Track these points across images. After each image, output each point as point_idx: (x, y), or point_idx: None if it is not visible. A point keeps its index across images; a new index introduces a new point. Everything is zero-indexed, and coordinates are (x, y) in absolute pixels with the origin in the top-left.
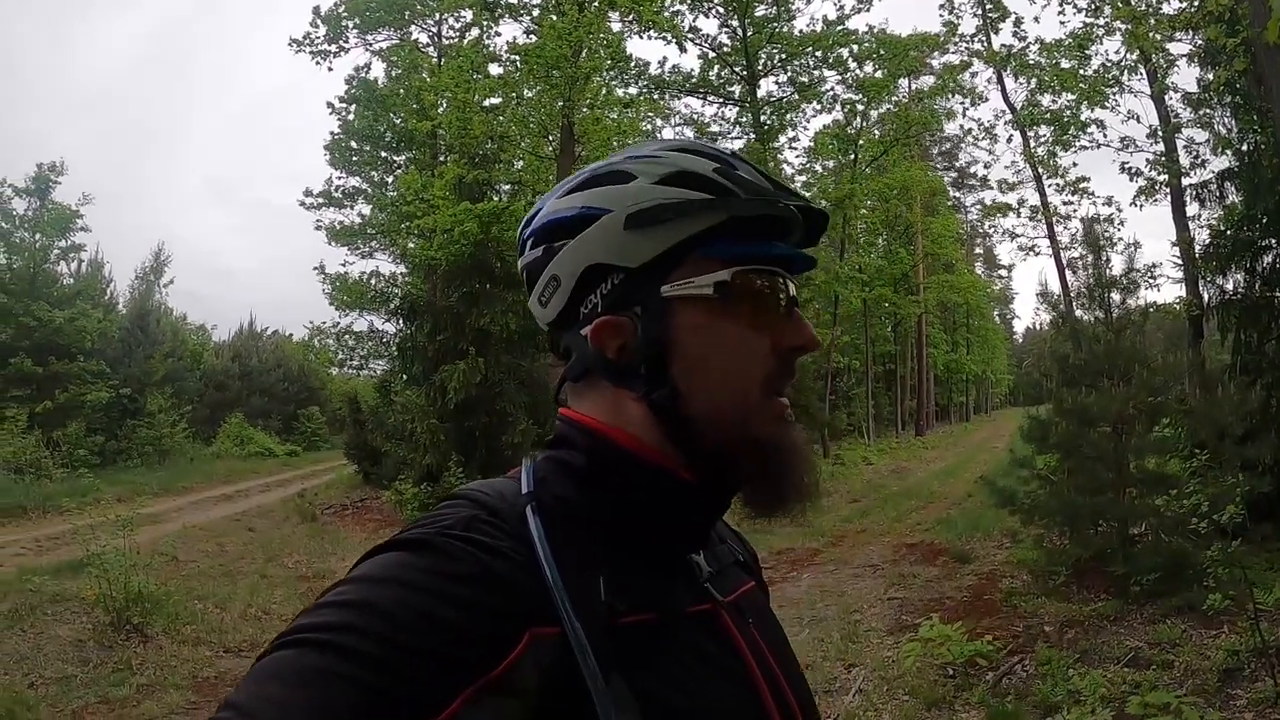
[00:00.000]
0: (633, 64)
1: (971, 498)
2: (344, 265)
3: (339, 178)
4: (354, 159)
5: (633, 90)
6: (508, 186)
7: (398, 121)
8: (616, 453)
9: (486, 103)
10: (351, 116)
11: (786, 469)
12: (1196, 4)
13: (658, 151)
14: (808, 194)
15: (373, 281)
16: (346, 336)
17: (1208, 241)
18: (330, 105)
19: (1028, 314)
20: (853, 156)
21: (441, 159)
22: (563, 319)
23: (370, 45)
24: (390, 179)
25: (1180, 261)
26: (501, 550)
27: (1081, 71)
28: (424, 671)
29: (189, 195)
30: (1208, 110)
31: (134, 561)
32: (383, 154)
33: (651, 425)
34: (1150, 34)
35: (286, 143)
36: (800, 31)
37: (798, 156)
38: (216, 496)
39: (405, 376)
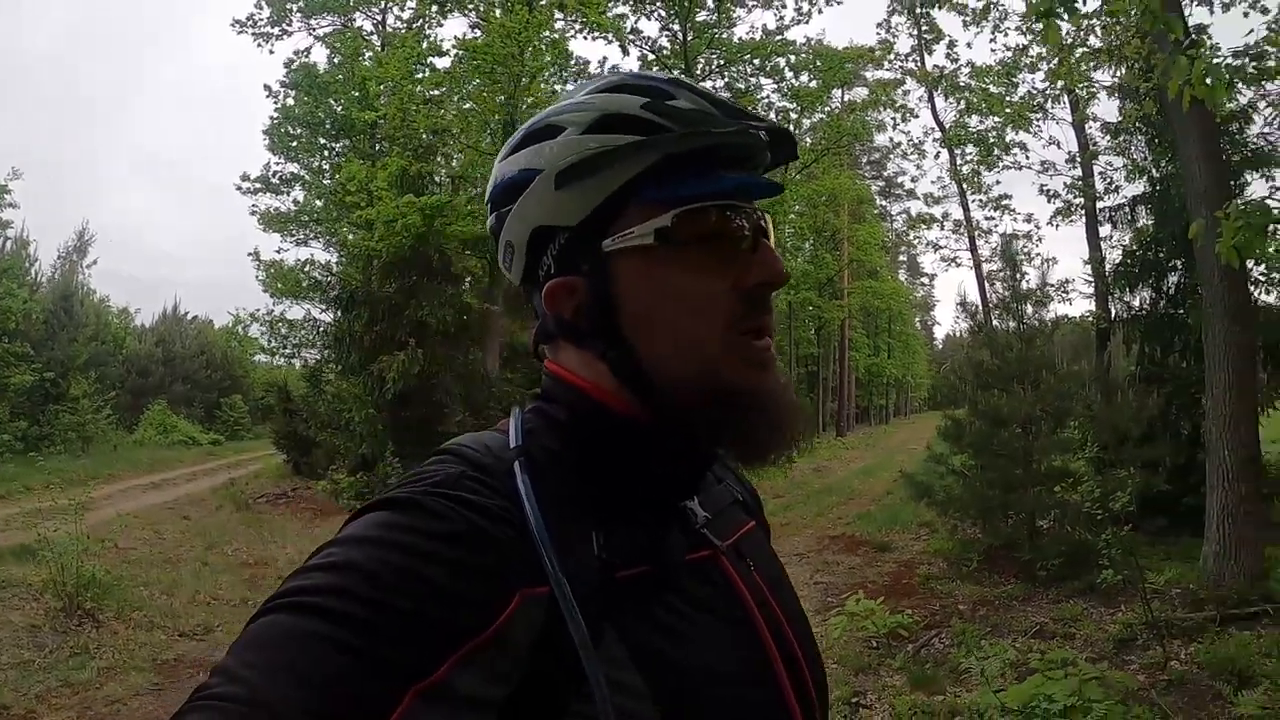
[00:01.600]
0: (573, 62)
1: (891, 495)
2: (278, 252)
3: (277, 163)
4: (293, 144)
5: (570, 88)
6: (447, 180)
7: (338, 108)
8: (596, 408)
9: (429, 94)
10: (291, 101)
11: (760, 416)
12: (1115, 46)
13: (587, 96)
14: None
15: (307, 269)
16: (279, 324)
17: (1118, 260)
18: (268, 88)
19: (948, 321)
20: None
21: (379, 149)
22: (527, 280)
23: (313, 30)
24: (328, 166)
25: (1091, 278)
26: (490, 508)
27: (1008, 97)
28: (411, 634)
29: (121, 174)
30: (1126, 137)
31: (84, 547)
32: (321, 140)
33: (621, 382)
34: (1074, 69)
35: (224, 125)
36: (740, 39)
37: None
38: (144, 485)
39: (339, 366)
